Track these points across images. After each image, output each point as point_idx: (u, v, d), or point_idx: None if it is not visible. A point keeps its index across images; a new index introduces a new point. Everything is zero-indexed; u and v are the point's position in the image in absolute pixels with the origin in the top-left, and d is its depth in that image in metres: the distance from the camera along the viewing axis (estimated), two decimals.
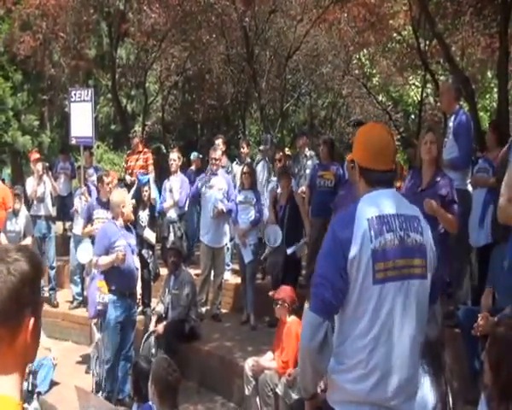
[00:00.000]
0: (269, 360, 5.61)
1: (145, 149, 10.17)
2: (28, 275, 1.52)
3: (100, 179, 7.79)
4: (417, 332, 2.47)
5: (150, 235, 8.10)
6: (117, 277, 6.07)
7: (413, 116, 16.76)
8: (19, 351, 1.52)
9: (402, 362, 2.44)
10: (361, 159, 2.59)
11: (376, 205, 2.49)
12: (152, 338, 6.75)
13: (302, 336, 2.51)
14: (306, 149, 8.91)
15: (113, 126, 20.39)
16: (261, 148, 9.52)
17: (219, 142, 9.13)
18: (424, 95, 16.79)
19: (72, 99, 9.59)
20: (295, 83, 19.41)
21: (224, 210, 7.78)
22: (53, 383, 6.66)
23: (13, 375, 1.52)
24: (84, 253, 7.69)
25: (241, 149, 9.68)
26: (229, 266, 8.80)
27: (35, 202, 9.28)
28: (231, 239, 8.55)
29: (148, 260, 7.94)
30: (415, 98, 17.66)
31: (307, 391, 2.66)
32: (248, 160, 9.44)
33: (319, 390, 2.75)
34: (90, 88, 10.38)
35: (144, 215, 8.17)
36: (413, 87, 17.81)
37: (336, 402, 2.50)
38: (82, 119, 9.17)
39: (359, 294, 2.39)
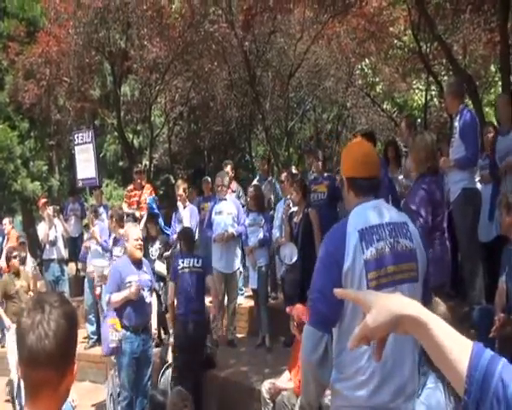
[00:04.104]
0: (285, 380, 5.52)
1: (147, 185, 10.20)
2: (74, 318, 1.57)
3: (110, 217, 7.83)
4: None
5: (161, 267, 8.12)
6: (129, 313, 6.05)
7: (419, 120, 16.64)
8: (62, 395, 1.56)
9: (399, 365, 2.48)
10: (346, 170, 2.76)
11: (365, 217, 2.58)
12: (169, 371, 6.70)
13: (302, 350, 2.56)
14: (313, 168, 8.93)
15: (120, 163, 20.56)
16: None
17: (228, 169, 9.22)
18: (428, 98, 16.70)
19: (76, 142, 9.71)
20: (299, 100, 19.45)
21: (235, 234, 7.78)
22: None
23: None
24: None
25: (262, 167, 9.84)
26: (242, 290, 8.77)
27: (47, 246, 9.38)
28: (244, 264, 8.52)
29: (160, 292, 7.94)
30: (419, 102, 17.57)
31: (311, 406, 2.70)
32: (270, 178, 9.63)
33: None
34: (91, 130, 10.52)
35: (154, 248, 8.20)
36: (417, 91, 17.72)
37: (339, 407, 2.58)
38: (85, 161, 9.27)
39: (354, 305, 2.35)
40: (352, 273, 2.45)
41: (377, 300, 1.20)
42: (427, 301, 2.72)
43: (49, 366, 1.49)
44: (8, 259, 8.08)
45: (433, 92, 16.80)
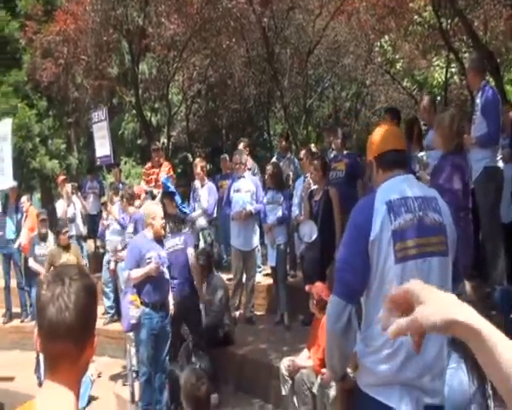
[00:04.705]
0: (304, 358, 5.53)
1: (165, 162, 10.20)
2: (94, 291, 1.56)
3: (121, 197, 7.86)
4: None
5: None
6: (149, 289, 6.09)
7: (439, 98, 16.39)
8: (81, 368, 1.55)
9: (427, 339, 2.38)
10: (373, 150, 2.77)
11: (393, 189, 2.59)
12: (187, 347, 6.73)
13: (327, 319, 2.60)
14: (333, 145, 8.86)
15: (139, 141, 20.59)
16: None
17: (241, 146, 9.18)
18: (449, 75, 16.42)
19: (93, 121, 9.72)
20: (318, 77, 19.24)
21: (253, 212, 7.77)
22: (91, 398, 6.74)
23: (73, 391, 1.53)
24: None
25: (280, 144, 9.77)
26: (260, 268, 8.77)
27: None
28: (262, 242, 8.52)
29: None
30: (439, 80, 17.29)
31: (336, 373, 2.75)
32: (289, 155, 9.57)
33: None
34: (105, 107, 10.47)
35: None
36: (437, 68, 17.44)
37: (367, 386, 2.54)
38: (101, 138, 9.27)
39: (381, 275, 2.46)
40: (379, 243, 2.46)
41: (430, 295, 1.14)
42: (457, 281, 2.71)
43: (69, 338, 1.49)
44: (57, 233, 8.25)
45: (454, 69, 16.53)
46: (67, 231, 8.28)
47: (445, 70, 16.37)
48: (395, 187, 2.60)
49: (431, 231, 2.52)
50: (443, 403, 2.58)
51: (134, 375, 6.49)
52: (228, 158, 10.30)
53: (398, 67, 18.13)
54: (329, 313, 2.56)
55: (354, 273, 2.49)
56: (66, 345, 1.49)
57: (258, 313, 8.08)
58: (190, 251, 7.06)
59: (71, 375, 1.52)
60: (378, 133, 2.80)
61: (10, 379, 7.94)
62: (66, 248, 8.07)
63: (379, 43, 17.35)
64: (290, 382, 5.44)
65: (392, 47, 17.49)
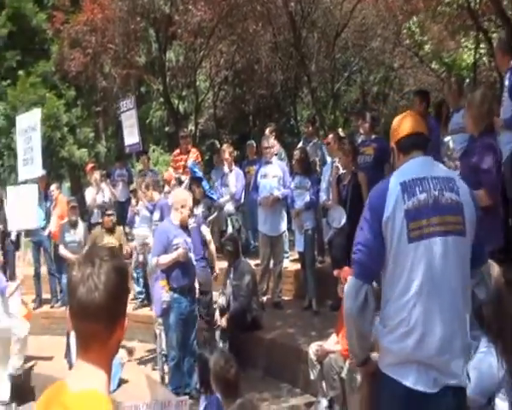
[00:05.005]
0: (333, 343, 5.51)
1: (193, 149, 10.23)
2: (125, 272, 1.58)
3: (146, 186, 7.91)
4: (459, 288, 2.49)
5: (205, 231, 8.15)
6: (177, 274, 6.15)
7: (468, 80, 16.06)
8: (111, 349, 1.57)
9: (443, 317, 2.47)
10: (394, 137, 2.82)
11: (410, 170, 2.63)
12: (217, 331, 6.79)
13: (345, 300, 2.66)
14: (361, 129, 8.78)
15: (166, 129, 20.69)
16: None
17: (267, 131, 9.18)
18: (477, 56, 16.08)
19: (122, 110, 9.81)
20: (345, 61, 19.01)
21: (280, 197, 7.76)
22: (121, 382, 6.84)
23: (104, 371, 1.55)
24: None
25: (306, 129, 9.74)
26: (287, 253, 8.76)
27: (95, 211, 9.54)
28: (289, 227, 8.50)
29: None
30: (468, 61, 16.96)
31: (357, 357, 2.81)
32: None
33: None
34: (133, 96, 10.54)
35: (198, 212, 8.24)
36: (466, 50, 17.10)
37: (386, 366, 2.59)
38: (130, 127, 9.34)
39: (396, 255, 2.51)
40: (393, 223, 2.49)
41: None
42: (479, 263, 2.67)
43: (98, 318, 1.50)
44: (102, 215, 8.39)
45: (483, 51, 16.16)
46: (112, 214, 8.37)
47: (473, 51, 16.03)
48: (412, 169, 2.63)
49: (447, 210, 2.53)
50: (463, 385, 2.56)
51: (163, 359, 6.56)
52: (254, 144, 10.30)
53: (426, 49, 17.82)
54: (347, 292, 2.63)
55: (369, 255, 2.55)
56: (96, 325, 1.51)
57: (286, 299, 8.07)
58: (204, 229, 7.27)
59: (101, 355, 1.54)
60: (398, 119, 2.86)
61: (48, 359, 8.14)
62: (110, 230, 8.17)
63: (407, 25, 17.06)
64: (318, 367, 5.42)
65: (421, 29, 17.19)
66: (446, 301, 2.47)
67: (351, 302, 2.58)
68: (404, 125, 2.79)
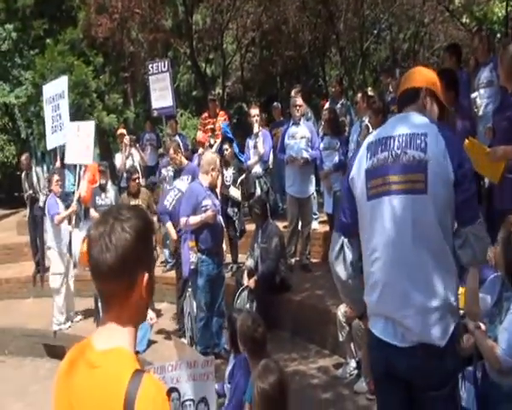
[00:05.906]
0: None
1: (221, 112, 10.17)
2: (141, 232, 1.56)
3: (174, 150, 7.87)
4: (422, 246, 2.47)
5: (235, 192, 8.15)
6: (205, 236, 6.16)
7: (499, 35, 15.51)
8: (134, 307, 1.57)
9: (401, 273, 2.50)
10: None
11: (383, 130, 2.69)
12: (244, 293, 6.82)
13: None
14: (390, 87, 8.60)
15: (194, 93, 20.63)
16: None
17: (293, 92, 9.15)
18: (509, 9, 15.46)
19: (150, 72, 9.74)
20: (374, 19, 18.58)
21: (309, 159, 7.66)
22: (150, 342, 6.95)
23: (127, 329, 1.57)
24: None
25: (334, 89, 9.65)
26: (316, 215, 8.70)
27: (125, 175, 9.58)
28: (317, 189, 8.42)
29: (234, 218, 8.02)
30: (500, 14, 16.34)
31: (353, 308, 3.09)
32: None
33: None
34: (167, 59, 10.48)
35: (228, 174, 8.23)
36: (497, 2, 16.46)
37: (369, 316, 2.72)
38: (161, 90, 9.29)
39: (360, 212, 2.64)
40: (356, 181, 2.62)
41: None
42: (466, 222, 2.53)
43: (112, 278, 1.51)
44: (128, 179, 8.54)
45: None
46: (138, 178, 8.42)
47: (505, 4, 15.41)
48: (385, 128, 2.69)
49: (407, 168, 2.50)
50: (436, 343, 2.47)
51: (191, 319, 6.63)
52: (279, 106, 10.20)
53: (456, 3, 17.25)
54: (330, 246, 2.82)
55: (343, 212, 2.74)
56: (110, 284, 1.53)
57: (315, 261, 8.02)
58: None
59: (123, 313, 1.55)
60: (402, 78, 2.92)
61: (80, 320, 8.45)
62: (136, 194, 8.24)
63: None
64: (347, 328, 5.40)
65: None
66: (402, 258, 2.48)
67: (330, 252, 2.80)
68: (402, 81, 2.82)
